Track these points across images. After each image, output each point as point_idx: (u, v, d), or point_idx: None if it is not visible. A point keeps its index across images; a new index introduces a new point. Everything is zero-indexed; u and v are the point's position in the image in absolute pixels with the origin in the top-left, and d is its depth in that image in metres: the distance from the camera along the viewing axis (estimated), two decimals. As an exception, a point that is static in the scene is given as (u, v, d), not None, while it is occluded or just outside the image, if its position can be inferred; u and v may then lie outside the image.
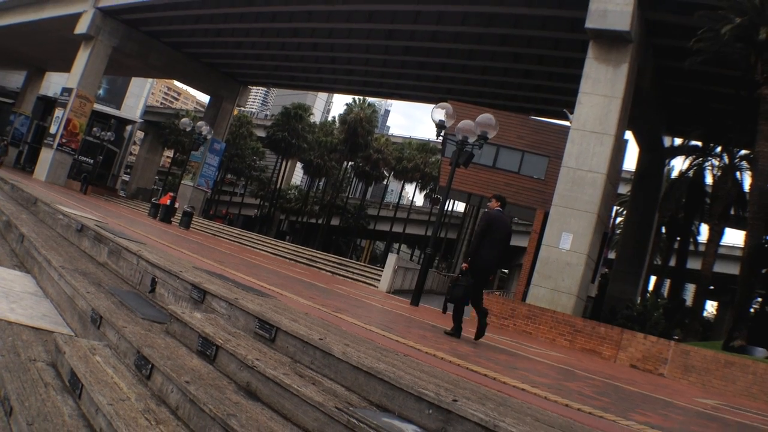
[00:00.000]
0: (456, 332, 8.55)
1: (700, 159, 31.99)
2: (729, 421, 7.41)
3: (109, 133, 38.79)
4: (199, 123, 26.87)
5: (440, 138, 17.81)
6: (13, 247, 10.81)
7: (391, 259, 21.00)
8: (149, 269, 7.53)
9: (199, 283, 6.35)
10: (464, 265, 8.53)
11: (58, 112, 39.03)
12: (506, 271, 66.21)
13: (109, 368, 4.92)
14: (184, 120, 27.81)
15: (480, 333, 8.74)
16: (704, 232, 39.96)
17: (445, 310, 9.46)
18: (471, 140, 16.69)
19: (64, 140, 38.22)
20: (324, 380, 4.42)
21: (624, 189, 44.15)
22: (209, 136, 27.19)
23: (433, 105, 17.53)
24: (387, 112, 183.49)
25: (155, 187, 67.35)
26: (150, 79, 61.70)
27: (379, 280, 21.51)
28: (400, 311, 11.95)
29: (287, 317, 5.34)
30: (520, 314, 16.98)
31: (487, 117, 16.97)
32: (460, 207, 60.72)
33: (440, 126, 16.99)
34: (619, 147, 21.92)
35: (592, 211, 19.83)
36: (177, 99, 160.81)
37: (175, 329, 5.59)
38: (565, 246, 20.23)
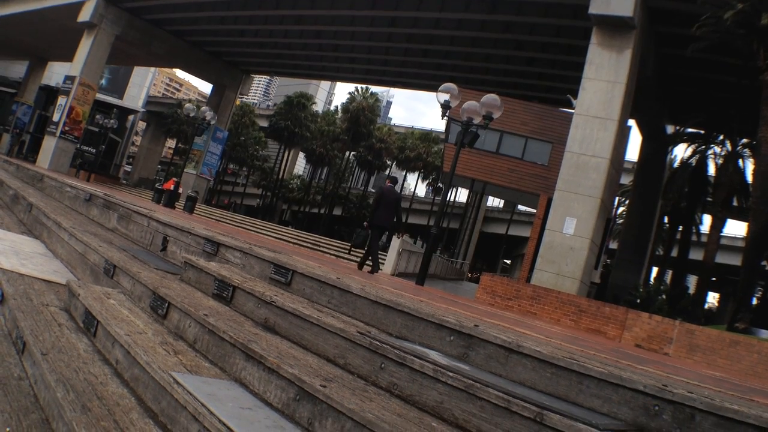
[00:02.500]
0: (363, 267, 12.29)
1: (703, 146, 31.97)
2: (742, 387, 7.47)
3: (112, 120, 38.66)
4: (203, 108, 26.89)
5: (445, 119, 17.81)
6: (20, 218, 10.89)
7: (396, 242, 21.03)
8: (160, 229, 7.60)
9: (212, 236, 6.42)
10: (365, 223, 12.17)
11: (61, 100, 38.99)
12: (508, 261, 66.28)
13: (124, 309, 4.99)
14: (188, 105, 27.85)
15: (374, 269, 12.07)
16: (706, 222, 40.04)
17: (349, 251, 12.40)
18: (476, 121, 16.71)
19: (66, 128, 38.19)
20: (342, 316, 4.50)
21: (626, 179, 44.18)
22: (213, 122, 27.20)
23: (436, 93, 17.56)
24: (389, 104, 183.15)
25: (157, 177, 67.38)
26: (152, 70, 61.68)
27: (384, 263, 21.53)
28: (407, 288, 12.04)
29: (302, 263, 5.41)
30: (524, 295, 17.05)
31: (491, 97, 16.98)
32: (461, 198, 60.83)
33: (445, 107, 17.00)
34: (623, 133, 21.94)
35: (595, 196, 19.85)
36: (179, 90, 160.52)
37: (189, 276, 5.66)
38: (569, 231, 20.26)
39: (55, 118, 39.28)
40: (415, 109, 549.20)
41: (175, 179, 28.35)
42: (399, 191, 15.20)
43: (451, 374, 3.26)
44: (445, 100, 16.83)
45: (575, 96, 21.64)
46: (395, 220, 12.38)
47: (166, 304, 4.77)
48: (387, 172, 68.26)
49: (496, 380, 3.35)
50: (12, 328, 4.99)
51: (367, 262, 13.14)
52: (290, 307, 4.32)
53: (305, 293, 5.04)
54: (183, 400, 3.26)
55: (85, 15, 37.90)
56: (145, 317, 4.91)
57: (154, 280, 5.31)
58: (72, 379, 3.74)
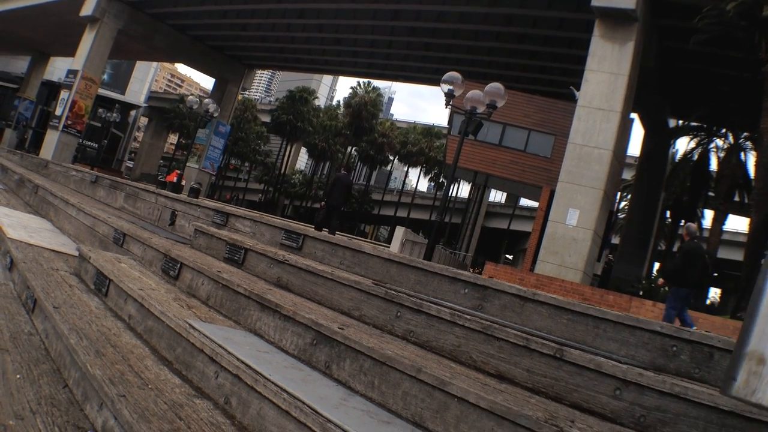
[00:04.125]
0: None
1: (705, 140, 31.92)
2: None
3: (114, 114, 38.62)
4: (206, 100, 26.89)
5: (448, 108, 17.80)
6: (26, 200, 10.89)
7: (399, 231, 21.03)
8: (168, 204, 7.60)
9: (221, 208, 6.42)
10: (322, 203, 14.78)
11: (64, 94, 38.94)
12: (510, 256, 66.24)
13: (135, 271, 4.99)
14: (191, 98, 27.81)
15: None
16: (708, 217, 39.94)
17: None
18: (479, 110, 16.70)
19: (69, 122, 38.14)
20: (355, 275, 4.49)
21: (628, 174, 44.12)
22: (216, 114, 27.20)
23: (437, 88, 17.59)
24: (391, 99, 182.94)
25: (159, 172, 67.38)
26: (154, 65, 61.70)
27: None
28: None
29: (312, 231, 5.41)
30: (528, 284, 17.05)
31: (495, 86, 16.96)
32: (463, 194, 60.78)
33: (449, 95, 16.98)
34: (625, 125, 21.94)
35: (598, 187, 19.84)
36: (180, 86, 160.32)
37: (200, 243, 5.66)
38: (572, 222, 20.24)
39: (58, 112, 39.23)
40: (417, 106, 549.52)
41: (177, 171, 28.36)
42: (352, 179, 17.52)
43: (468, 317, 3.25)
44: (449, 89, 16.83)
45: (578, 88, 21.62)
46: (345, 201, 15.02)
47: (179, 265, 4.77)
48: (389, 167, 68.26)
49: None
50: (22, 291, 4.98)
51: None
52: (303, 264, 4.32)
53: (317, 256, 5.04)
54: (199, 343, 3.26)
55: (87, 9, 37.84)
56: (157, 279, 4.90)
57: (165, 245, 5.32)
58: (85, 329, 3.74)
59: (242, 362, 2.97)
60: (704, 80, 26.82)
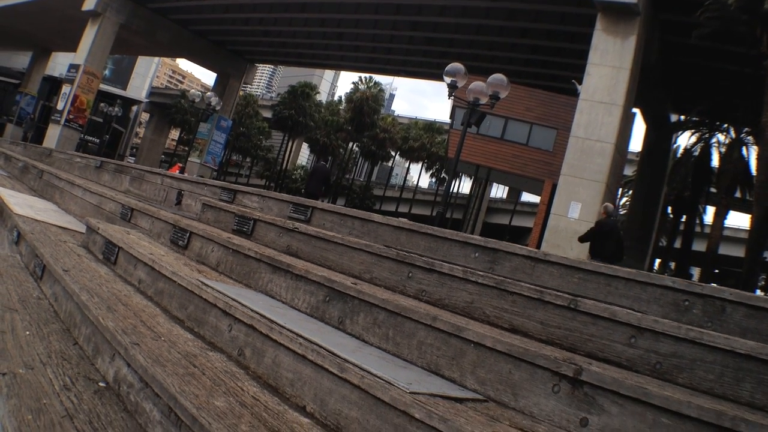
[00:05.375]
0: None
1: (707, 134, 31.94)
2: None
3: (116, 109, 38.63)
4: (208, 93, 26.95)
5: (450, 99, 17.84)
6: (31, 185, 10.89)
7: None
8: (174, 185, 7.61)
9: (228, 186, 6.43)
10: (303, 191, 14.31)
11: (66, 89, 38.94)
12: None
13: (144, 241, 4.99)
14: (193, 91, 27.86)
15: None
16: (710, 214, 39.92)
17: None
18: (482, 101, 16.75)
19: (71, 116, 38.15)
20: (365, 241, 4.49)
21: (629, 170, 44.12)
22: (218, 107, 27.21)
23: (439, 83, 17.67)
24: (392, 96, 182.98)
25: (160, 168, 67.40)
26: (155, 61, 61.71)
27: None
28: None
29: (320, 203, 5.42)
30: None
31: (498, 77, 17.01)
32: (464, 190, 60.78)
33: (452, 86, 17.01)
34: (627, 118, 21.97)
35: (600, 181, 19.87)
36: (182, 82, 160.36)
37: (208, 217, 5.66)
38: (574, 215, 20.26)
39: (60, 106, 39.23)
40: (418, 103, 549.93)
41: (179, 164, 28.40)
42: (330, 168, 18.95)
43: (481, 273, 3.26)
44: (452, 81, 16.87)
45: (580, 82, 21.65)
46: (324, 189, 15.66)
47: (187, 234, 4.78)
48: (390, 163, 68.31)
49: (524, 287, 3.35)
50: (29, 261, 4.99)
51: None
52: (314, 231, 4.33)
53: (326, 227, 5.06)
54: (212, 298, 3.26)
55: (89, 3, 37.82)
56: (166, 248, 4.91)
57: (173, 217, 5.32)
58: (95, 290, 3.74)
59: (257, 312, 2.98)
60: (706, 75, 26.82)
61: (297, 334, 2.69)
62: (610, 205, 12.90)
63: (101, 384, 2.90)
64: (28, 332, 3.43)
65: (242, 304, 3.10)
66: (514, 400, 2.42)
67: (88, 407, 2.61)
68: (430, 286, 3.50)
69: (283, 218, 5.59)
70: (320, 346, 2.56)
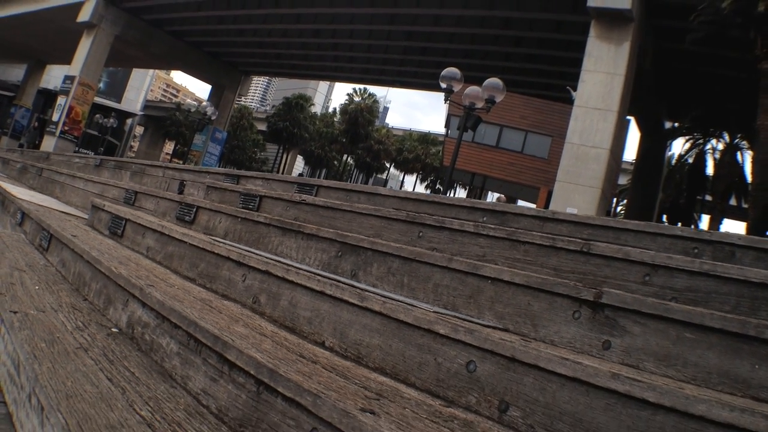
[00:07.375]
0: None
1: (701, 140, 32.13)
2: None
3: (111, 120, 38.62)
4: (204, 103, 26.98)
5: (446, 104, 17.94)
6: (30, 184, 10.88)
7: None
8: (176, 176, 7.61)
9: (231, 171, 6.44)
10: None
11: (61, 100, 38.96)
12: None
13: (151, 217, 4.99)
14: (188, 101, 27.89)
15: None
16: (705, 222, 40.10)
17: None
18: (478, 106, 16.86)
19: (66, 128, 38.12)
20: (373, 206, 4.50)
21: (624, 179, 44.34)
22: (214, 117, 27.25)
23: (434, 93, 17.78)
24: (386, 109, 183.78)
25: (154, 182, 67.22)
26: (150, 73, 61.73)
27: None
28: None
29: (326, 181, 5.43)
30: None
31: (493, 81, 17.13)
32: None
33: (448, 91, 17.12)
34: (622, 124, 22.10)
35: (596, 186, 19.96)
36: (176, 96, 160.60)
37: (213, 198, 5.67)
38: (570, 220, 20.29)
39: (55, 117, 39.21)
40: (412, 116, 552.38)
41: (175, 173, 28.33)
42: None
43: (492, 226, 3.28)
44: (448, 85, 16.99)
45: (575, 89, 21.80)
46: None
47: (194, 209, 4.78)
48: (385, 174, 68.41)
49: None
50: (35, 236, 4.98)
51: None
52: (321, 201, 4.34)
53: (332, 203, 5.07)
54: (225, 251, 3.26)
55: (84, 15, 37.96)
56: (172, 224, 4.91)
57: (178, 197, 5.33)
58: (105, 252, 3.73)
59: (271, 258, 2.98)
60: (700, 81, 27.03)
61: (314, 273, 2.69)
62: (503, 197, 12.77)
63: (114, 330, 2.90)
64: (37, 287, 3.43)
65: (256, 253, 3.10)
66: (534, 331, 2.43)
67: (102, 344, 2.61)
68: (441, 243, 3.52)
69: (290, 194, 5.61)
70: (338, 281, 2.57)
